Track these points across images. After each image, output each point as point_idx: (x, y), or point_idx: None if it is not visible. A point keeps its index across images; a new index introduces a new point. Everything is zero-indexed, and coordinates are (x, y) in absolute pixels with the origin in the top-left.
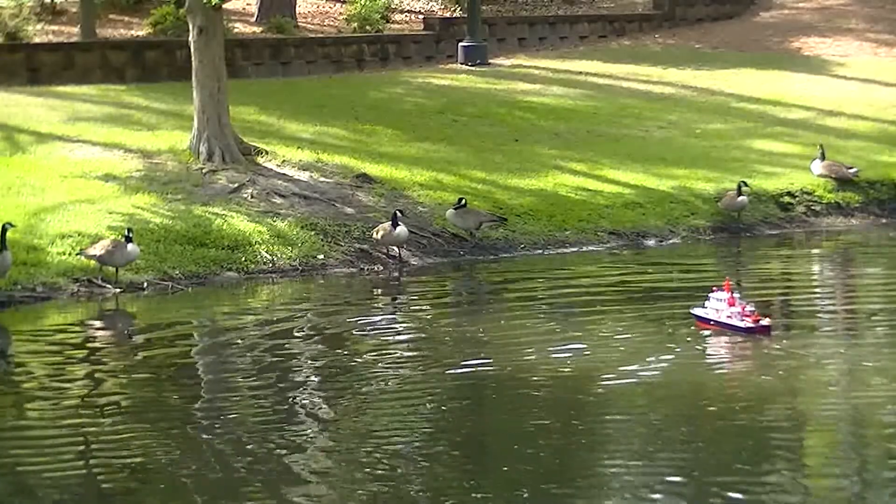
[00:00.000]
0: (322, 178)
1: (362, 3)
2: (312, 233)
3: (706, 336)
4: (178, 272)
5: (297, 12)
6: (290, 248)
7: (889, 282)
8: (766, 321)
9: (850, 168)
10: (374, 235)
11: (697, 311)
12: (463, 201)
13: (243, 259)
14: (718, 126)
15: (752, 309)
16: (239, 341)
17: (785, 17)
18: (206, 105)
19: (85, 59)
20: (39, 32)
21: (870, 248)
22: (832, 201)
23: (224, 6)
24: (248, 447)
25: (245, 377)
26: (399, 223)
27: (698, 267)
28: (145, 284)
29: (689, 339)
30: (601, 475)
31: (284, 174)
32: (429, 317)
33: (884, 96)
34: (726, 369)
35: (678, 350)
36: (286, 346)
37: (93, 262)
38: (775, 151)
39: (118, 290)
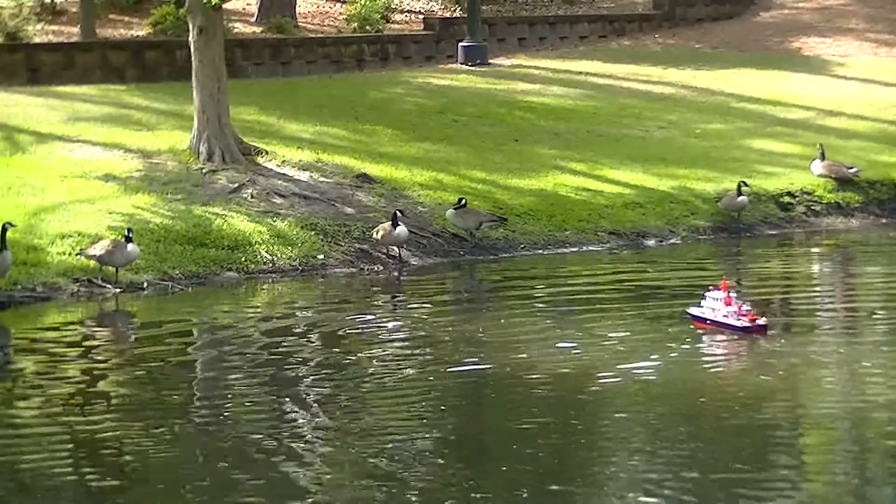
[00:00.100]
0: (322, 178)
1: (362, 3)
2: (312, 233)
3: (706, 335)
4: (178, 272)
5: (297, 12)
6: (290, 248)
7: (889, 281)
8: (762, 320)
9: (851, 168)
10: (374, 235)
11: (694, 311)
12: (463, 201)
13: (243, 259)
14: (718, 126)
15: (749, 308)
16: (238, 341)
17: (785, 17)
18: (206, 105)
19: (85, 59)
20: (39, 32)
21: (870, 248)
22: (832, 201)
23: (224, 6)
24: (247, 446)
25: (244, 377)
26: (399, 223)
27: (698, 267)
28: (145, 284)
29: (688, 338)
30: (601, 474)
31: (284, 174)
32: (428, 316)
33: (884, 96)
34: (725, 368)
35: (677, 349)
36: (286, 345)
37: (93, 262)
38: (775, 151)
39: (118, 290)
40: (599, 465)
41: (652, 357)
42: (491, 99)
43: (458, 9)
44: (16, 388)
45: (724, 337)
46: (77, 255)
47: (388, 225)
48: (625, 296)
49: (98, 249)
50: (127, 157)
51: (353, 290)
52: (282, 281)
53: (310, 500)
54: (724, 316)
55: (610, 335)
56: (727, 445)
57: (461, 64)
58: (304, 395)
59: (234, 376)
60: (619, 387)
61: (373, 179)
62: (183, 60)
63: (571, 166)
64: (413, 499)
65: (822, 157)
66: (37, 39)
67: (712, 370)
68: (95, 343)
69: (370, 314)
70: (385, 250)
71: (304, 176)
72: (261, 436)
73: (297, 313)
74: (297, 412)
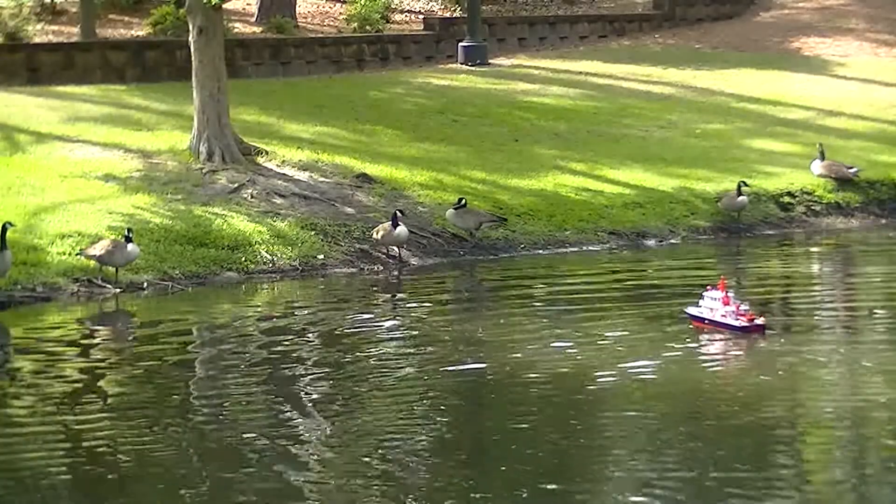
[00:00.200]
0: (322, 178)
1: (362, 3)
2: (312, 233)
3: (706, 335)
4: (178, 272)
5: (297, 12)
6: (290, 248)
7: (889, 281)
8: (760, 320)
9: (851, 168)
10: (374, 235)
11: (692, 311)
12: (463, 201)
13: (243, 259)
14: (718, 126)
15: (747, 308)
16: (238, 341)
17: (785, 17)
18: (206, 105)
19: (85, 59)
20: (39, 32)
21: (870, 248)
22: (832, 201)
23: (224, 6)
24: (246, 446)
25: (243, 376)
26: (399, 223)
27: (698, 267)
28: (145, 284)
29: (688, 338)
30: (600, 474)
31: (284, 174)
32: (428, 316)
33: (884, 96)
34: (725, 368)
35: (677, 349)
36: (285, 345)
37: (93, 262)
38: (775, 151)
39: (118, 290)
40: (599, 465)
41: (651, 357)
42: (491, 99)
43: (458, 9)
44: (15, 388)
45: (723, 337)
46: (77, 255)
47: (388, 225)
48: (624, 296)
49: (98, 249)
50: (127, 157)
51: (353, 290)
52: (282, 281)
53: (308, 499)
54: (723, 316)
55: (609, 335)
56: (727, 445)
57: (461, 64)
58: (303, 395)
59: (233, 376)
60: (618, 386)
61: (373, 179)
62: (183, 60)
63: (571, 166)
64: (412, 499)
65: (822, 157)
66: (37, 39)
67: (712, 370)
68: (95, 343)
69: (370, 314)
70: (385, 250)
71: (304, 176)
72: (259, 435)
73: (296, 313)
74: (295, 412)
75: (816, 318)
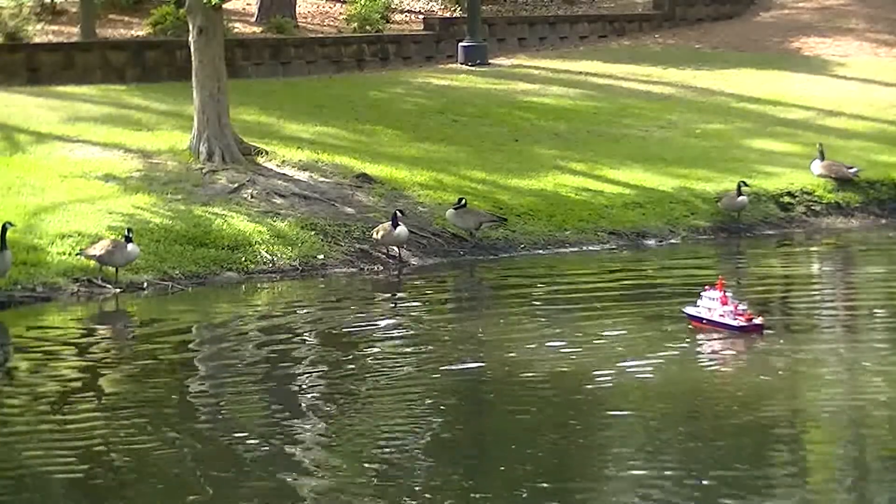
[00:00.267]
0: (322, 178)
1: (362, 3)
2: (312, 233)
3: (705, 335)
4: (178, 272)
5: (297, 12)
6: (290, 248)
7: (889, 281)
8: (758, 320)
9: (851, 168)
10: (374, 235)
11: (690, 310)
12: (463, 201)
13: (243, 259)
14: (718, 126)
15: (745, 308)
16: (238, 341)
17: (785, 17)
18: (206, 105)
19: (85, 59)
20: (39, 32)
21: (870, 248)
22: (832, 201)
23: (224, 6)
24: (246, 446)
25: (243, 376)
26: (399, 223)
27: (698, 266)
28: (145, 284)
29: (688, 338)
30: (600, 474)
31: (284, 174)
32: (428, 316)
33: (884, 96)
34: (724, 368)
35: (677, 349)
36: (285, 345)
37: (93, 262)
38: (775, 151)
39: (118, 290)
40: (598, 465)
41: (651, 356)
42: (491, 99)
43: (458, 9)
44: (14, 388)
45: (722, 336)
46: (77, 255)
47: (388, 225)
48: (624, 295)
49: (98, 249)
50: (127, 157)
51: (353, 290)
52: (282, 281)
53: (306, 499)
54: (721, 315)
55: (609, 334)
56: (727, 445)
57: (461, 64)
58: (302, 395)
59: (232, 376)
60: (617, 386)
61: (373, 179)
62: (183, 60)
63: (571, 166)
64: (411, 498)
65: (822, 157)
66: (37, 39)
67: (711, 370)
68: (94, 342)
69: (370, 314)
70: (385, 250)
71: (303, 176)
72: (258, 435)
73: (296, 313)
74: (294, 412)
75: (816, 317)
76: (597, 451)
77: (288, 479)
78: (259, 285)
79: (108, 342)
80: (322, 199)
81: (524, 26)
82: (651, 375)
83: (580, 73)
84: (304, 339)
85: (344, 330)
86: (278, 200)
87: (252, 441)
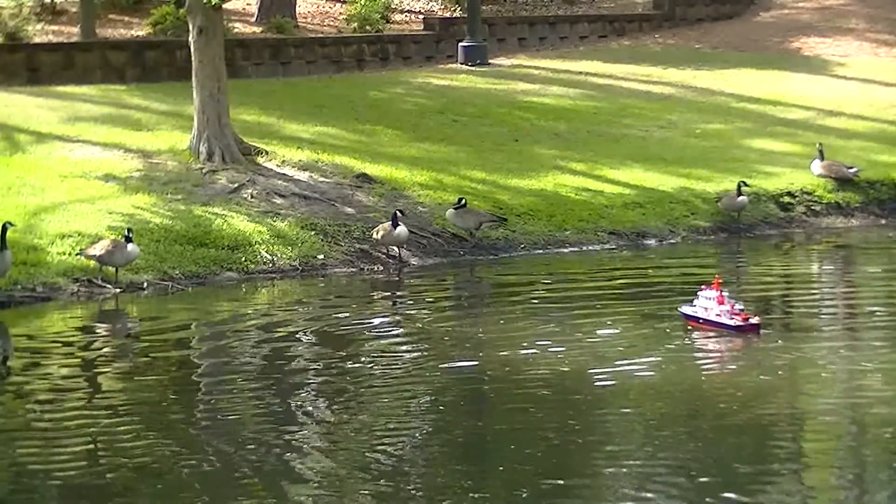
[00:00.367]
0: (322, 178)
1: (362, 3)
2: (312, 233)
3: (705, 335)
4: (178, 272)
5: (297, 12)
6: (290, 248)
7: (889, 281)
8: (755, 319)
9: (851, 168)
10: (374, 235)
11: (686, 310)
12: (463, 201)
13: (243, 259)
14: (718, 126)
15: (742, 307)
16: (238, 341)
17: (785, 17)
18: (206, 105)
19: (85, 59)
20: (39, 32)
21: (870, 248)
22: (832, 201)
23: (224, 6)
24: (247, 446)
25: (244, 376)
26: (399, 223)
27: (698, 266)
28: (145, 284)
29: (687, 338)
30: (599, 474)
31: (284, 174)
32: (428, 317)
33: (884, 96)
34: (724, 367)
35: (677, 348)
36: (285, 345)
37: (93, 262)
38: (775, 151)
39: (118, 290)
40: (598, 464)
41: (651, 356)
42: (491, 99)
43: (458, 9)
44: (15, 388)
45: (721, 336)
46: (77, 255)
47: (388, 225)
48: (624, 296)
49: (98, 249)
50: (127, 157)
51: (353, 290)
52: (282, 281)
53: (310, 498)
54: (717, 315)
55: (608, 334)
56: (726, 445)
57: (461, 64)
58: (302, 395)
59: (231, 375)
60: (616, 385)
61: (373, 179)
62: (183, 60)
63: (571, 166)
64: (411, 498)
65: (822, 157)
66: (37, 39)
67: (710, 369)
68: (93, 342)
69: (370, 314)
70: (385, 250)
71: (303, 176)
72: (257, 435)
73: (296, 313)
74: (294, 411)
75: (816, 317)
76: (596, 451)
77: (288, 479)
78: (259, 285)
79: (107, 342)
80: (322, 199)
81: (524, 26)
82: (651, 374)
83: (580, 73)
84: (305, 340)
85: (343, 330)
86: (278, 200)
87: (250, 440)
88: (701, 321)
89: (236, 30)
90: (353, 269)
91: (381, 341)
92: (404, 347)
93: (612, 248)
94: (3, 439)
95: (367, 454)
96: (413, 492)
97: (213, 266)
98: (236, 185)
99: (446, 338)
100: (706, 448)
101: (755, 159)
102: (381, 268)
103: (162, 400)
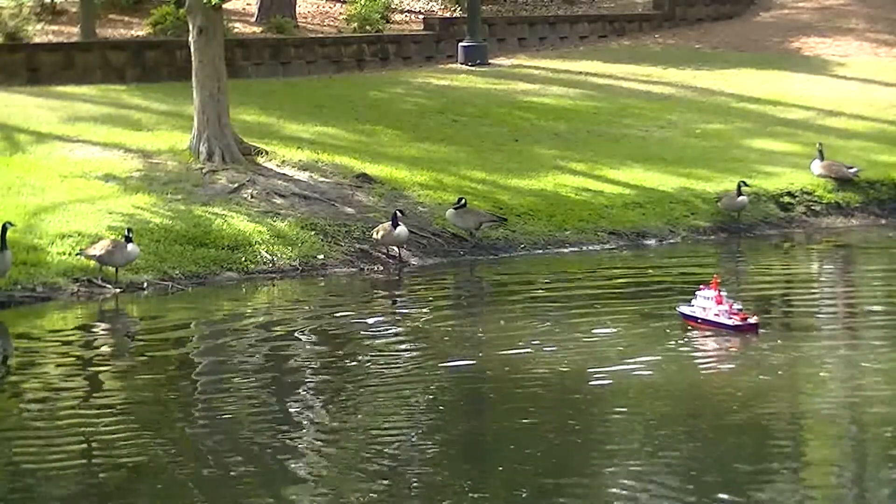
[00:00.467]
0: (322, 179)
1: (362, 3)
2: (312, 233)
3: (704, 335)
4: (178, 272)
5: (297, 12)
6: (290, 248)
7: (888, 281)
8: (753, 319)
9: (851, 168)
10: (374, 235)
11: (684, 309)
12: (463, 201)
13: (243, 259)
14: (718, 126)
15: (740, 307)
16: (238, 341)
17: (785, 17)
18: (206, 105)
19: (85, 59)
20: (39, 32)
21: (870, 248)
22: (832, 201)
23: (224, 6)
24: (246, 446)
25: (243, 377)
26: (399, 223)
27: (698, 265)
28: (145, 284)
29: (686, 338)
30: (599, 474)
31: (284, 174)
32: (428, 317)
33: (884, 96)
34: (724, 367)
35: (676, 348)
36: (285, 345)
37: (93, 262)
38: (775, 151)
39: (118, 290)
40: (597, 464)
41: (650, 355)
42: (491, 99)
43: (458, 9)
44: (14, 388)
45: (721, 336)
46: (77, 255)
47: (388, 225)
48: (624, 296)
49: (98, 249)
50: (127, 157)
51: (353, 289)
52: (282, 281)
53: (309, 498)
54: (716, 315)
55: (608, 334)
56: (726, 444)
57: (461, 64)
58: (302, 395)
59: (230, 375)
60: (616, 385)
61: (373, 179)
62: (183, 60)
63: (571, 166)
64: (411, 498)
65: (822, 157)
66: (37, 39)
67: (709, 369)
68: (93, 343)
69: (369, 314)
70: (385, 250)
71: (303, 176)
72: (256, 434)
73: (296, 313)
74: (294, 411)
75: (815, 317)
76: (596, 450)
77: (288, 479)
78: (259, 285)
79: (106, 343)
80: (322, 199)
81: (524, 26)
82: (650, 374)
83: (580, 73)
84: (305, 340)
85: (344, 331)
86: (278, 200)
87: (250, 440)
88: (699, 321)
89: (236, 30)
90: (353, 269)
91: (381, 341)
92: (404, 347)
93: (612, 248)
94: (2, 439)
95: (365, 454)
96: (412, 491)
97: (213, 266)
98: (236, 185)
99: (446, 337)
100: (706, 448)
101: (755, 159)
102: (381, 268)
103: (160, 399)
